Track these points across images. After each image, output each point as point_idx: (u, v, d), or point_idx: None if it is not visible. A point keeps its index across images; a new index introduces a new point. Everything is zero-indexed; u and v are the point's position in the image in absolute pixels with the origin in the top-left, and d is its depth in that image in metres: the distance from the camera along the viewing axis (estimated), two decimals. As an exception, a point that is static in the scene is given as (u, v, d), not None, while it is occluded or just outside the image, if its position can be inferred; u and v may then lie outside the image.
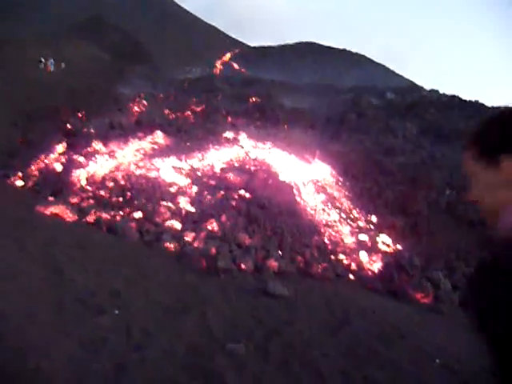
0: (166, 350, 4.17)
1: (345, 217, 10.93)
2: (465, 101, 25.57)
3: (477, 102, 25.24)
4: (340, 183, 12.51)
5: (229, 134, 14.64)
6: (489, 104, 24.72)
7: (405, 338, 5.34)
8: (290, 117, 19.98)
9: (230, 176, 11.67)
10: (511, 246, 1.08)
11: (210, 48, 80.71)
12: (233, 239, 8.96)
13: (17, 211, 8.58)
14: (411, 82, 61.57)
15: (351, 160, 13.25)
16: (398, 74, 73.83)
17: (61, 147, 14.17)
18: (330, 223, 10.54)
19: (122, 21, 68.70)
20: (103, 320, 4.44)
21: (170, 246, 8.48)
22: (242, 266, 7.98)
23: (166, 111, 20.72)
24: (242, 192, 10.94)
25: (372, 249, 9.81)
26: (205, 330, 4.77)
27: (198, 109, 21.84)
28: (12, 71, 25.02)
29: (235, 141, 14.22)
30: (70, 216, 9.13)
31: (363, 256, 9.48)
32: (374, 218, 11.09)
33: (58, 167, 12.59)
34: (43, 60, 29.20)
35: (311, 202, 11.25)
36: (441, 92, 29.77)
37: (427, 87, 31.34)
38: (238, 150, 13.49)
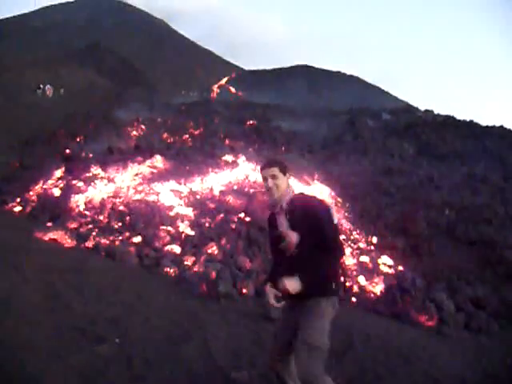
0: (167, 380, 4.07)
1: (345, 238, 10.89)
2: (459, 120, 25.81)
3: (471, 121, 25.50)
4: (339, 204, 12.55)
5: (228, 157, 14.72)
6: (483, 123, 24.99)
7: (410, 364, 5.23)
8: (287, 139, 20.10)
9: (230, 199, 11.70)
10: None
11: (206, 72, 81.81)
12: (233, 263, 8.87)
13: (15, 237, 8.50)
14: (406, 102, 62.23)
15: (350, 181, 13.29)
16: (392, 95, 74.69)
17: (59, 172, 14.19)
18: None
19: (120, 46, 69.71)
20: (103, 349, 4.33)
21: (170, 270, 8.38)
22: (244, 290, 7.87)
23: (165, 135, 20.86)
24: (241, 215, 10.93)
25: (373, 270, 9.74)
26: (207, 358, 4.66)
27: (196, 132, 22.00)
28: (10, 97, 25.22)
29: (234, 164, 14.29)
30: (68, 241, 9.05)
31: (365, 278, 9.39)
32: (374, 239, 11.06)
33: (57, 192, 12.59)
34: (42, 86, 29.50)
35: (311, 223, 11.23)
36: (435, 112, 30.05)
37: (422, 108, 31.68)
38: (237, 173, 13.52)
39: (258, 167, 12.22)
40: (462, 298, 8.65)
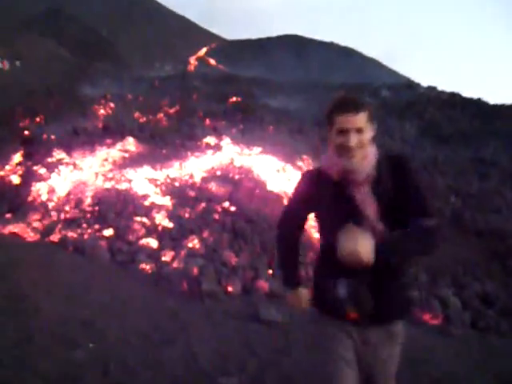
0: (149, 387, 4.12)
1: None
2: (466, 98, 26.07)
3: (479, 99, 25.77)
4: None
5: (210, 139, 14.73)
6: (492, 102, 25.28)
7: (414, 365, 5.35)
8: (275, 118, 20.08)
9: (213, 186, 11.78)
10: None
11: (182, 43, 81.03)
12: (217, 258, 8.98)
13: (-31, 231, 8.42)
14: (407, 78, 62.63)
15: None
16: (392, 70, 75.11)
17: (17, 156, 14.00)
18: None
19: (84, 12, 68.49)
20: (76, 354, 4.35)
21: (146, 266, 8.43)
22: (229, 288, 7.99)
23: (136, 114, 20.72)
24: (226, 204, 11.05)
25: None
26: (191, 363, 4.71)
27: (172, 110, 21.89)
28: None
29: (217, 147, 14.30)
30: (31, 235, 9.02)
31: None
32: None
33: (16, 180, 12.44)
34: (-5, 59, 28.92)
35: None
36: (440, 89, 30.25)
37: (425, 84, 31.92)
38: (220, 157, 13.55)
39: (245, 150, 12.23)
40: (468, 295, 8.87)
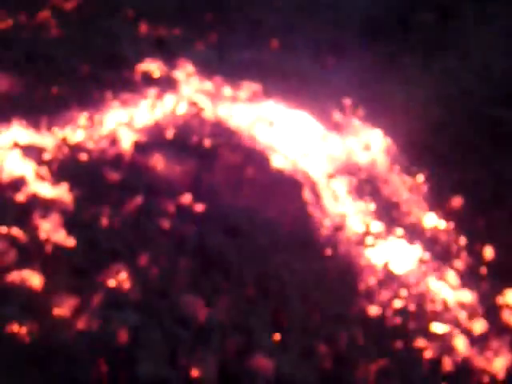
0: None
1: (423, 249, 10.76)
2: None
3: None
4: (409, 174, 12.58)
5: (152, 67, 14.15)
6: None
7: None
8: (286, 22, 19.22)
9: (158, 162, 11.28)
10: None
11: None
12: (167, 309, 8.51)
13: None
14: None
15: (431, 118, 12.98)
16: None
17: None
18: (389, 266, 10.34)
19: None
20: None
21: (19, 330, 7.78)
22: (193, 371, 7.71)
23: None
24: (185, 198, 10.51)
25: (491, 324, 9.54)
26: None
27: (69, 5, 20.88)
28: None
29: (167, 81, 13.94)
30: None
31: (469, 340, 9.23)
32: (488, 253, 10.84)
33: None
34: None
35: (346, 218, 11.11)
36: None
37: None
38: (173, 103, 13.09)
39: (225, 90, 11.46)
40: None
